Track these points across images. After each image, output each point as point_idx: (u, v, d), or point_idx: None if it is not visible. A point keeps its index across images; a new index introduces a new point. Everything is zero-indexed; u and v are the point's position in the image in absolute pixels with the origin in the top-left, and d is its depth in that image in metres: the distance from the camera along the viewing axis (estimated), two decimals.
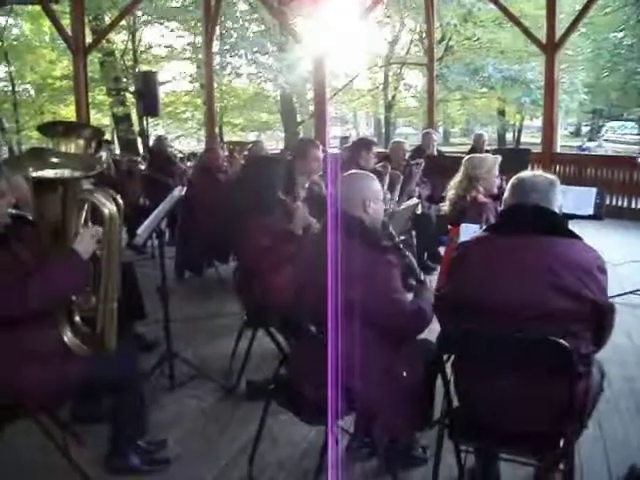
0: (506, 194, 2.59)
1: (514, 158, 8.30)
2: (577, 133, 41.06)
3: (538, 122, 34.53)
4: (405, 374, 2.64)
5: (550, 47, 10.46)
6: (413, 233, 6.18)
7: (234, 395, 3.87)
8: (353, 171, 3.11)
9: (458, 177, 4.35)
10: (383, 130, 27.91)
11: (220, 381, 4.01)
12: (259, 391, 3.59)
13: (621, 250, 6.92)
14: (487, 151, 8.67)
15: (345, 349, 2.46)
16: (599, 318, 2.38)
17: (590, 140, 34.81)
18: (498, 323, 2.35)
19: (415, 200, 5.07)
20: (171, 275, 6.15)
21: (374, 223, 2.82)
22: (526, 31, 10.95)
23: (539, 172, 2.64)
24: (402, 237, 5.48)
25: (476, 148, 8.87)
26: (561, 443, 2.40)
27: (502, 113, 26.78)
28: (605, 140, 34.76)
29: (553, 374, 2.29)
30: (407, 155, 7.14)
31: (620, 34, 26.12)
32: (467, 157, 4.38)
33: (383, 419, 2.63)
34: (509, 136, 30.07)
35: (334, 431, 2.77)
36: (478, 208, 4.04)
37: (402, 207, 4.76)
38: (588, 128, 40.36)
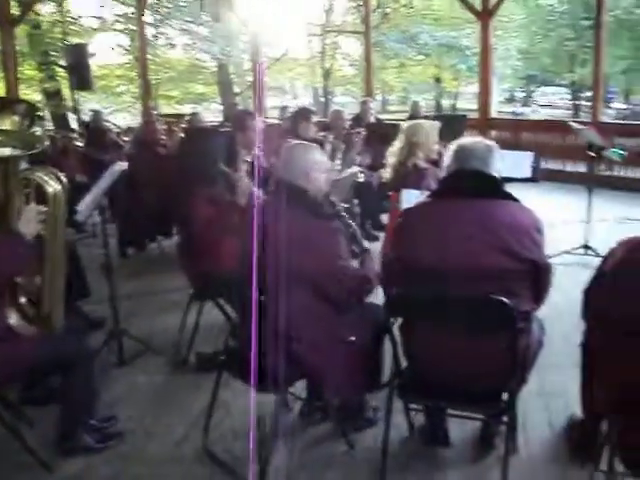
0: (447, 160, 2.65)
1: (451, 124, 8.36)
2: (512, 99, 41.76)
3: (474, 88, 35.01)
4: (353, 338, 2.69)
5: (484, 14, 10.59)
6: (355, 202, 6.23)
7: (184, 369, 3.87)
8: (295, 142, 3.12)
9: (398, 144, 4.39)
10: (322, 99, 27.81)
11: (170, 355, 4.00)
12: (209, 363, 3.60)
13: (557, 211, 7.14)
14: (426, 117, 8.79)
15: (291, 316, 2.50)
16: (538, 277, 2.47)
17: (524, 105, 35.48)
18: (443, 285, 2.42)
19: (356, 168, 5.10)
20: (114, 252, 6.07)
21: (317, 193, 2.85)
22: None
23: (478, 138, 2.71)
24: (345, 205, 5.55)
25: (413, 115, 8.94)
26: (504, 397, 2.52)
27: (438, 80, 27.02)
28: (539, 105, 35.46)
29: (496, 332, 2.38)
30: (347, 124, 7.16)
31: (552, 1, 26.56)
32: (406, 124, 4.42)
33: (333, 383, 2.69)
34: (446, 103, 30.38)
35: (285, 397, 2.83)
36: (419, 174, 4.10)
37: (343, 176, 4.79)
38: (523, 94, 41.10)
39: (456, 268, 2.38)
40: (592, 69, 10.08)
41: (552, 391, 3.34)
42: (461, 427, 2.99)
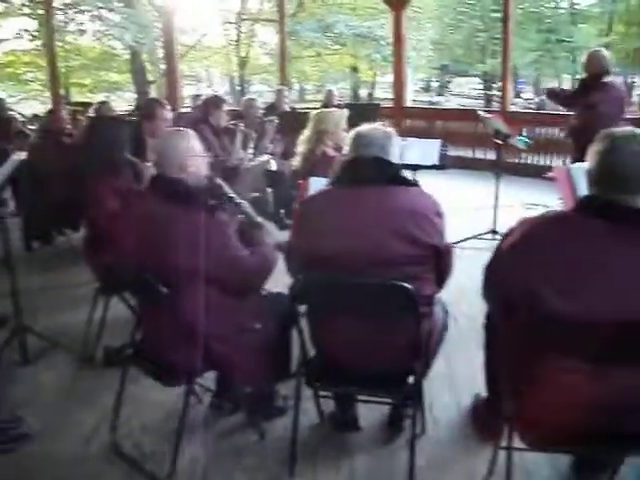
0: (347, 148, 2.67)
1: (364, 113, 8.46)
2: (427, 88, 42.62)
3: (390, 78, 35.57)
4: (259, 326, 2.68)
5: (397, 4, 10.72)
6: (269, 190, 6.21)
7: (92, 365, 3.76)
8: (168, 130, 3.03)
9: (307, 132, 4.39)
10: (238, 88, 27.58)
11: (76, 351, 3.88)
12: (117, 357, 3.51)
13: (467, 197, 7.33)
14: (339, 106, 8.84)
15: (194, 308, 2.46)
16: (439, 260, 2.53)
17: (439, 95, 36.31)
18: (345, 272, 2.43)
19: (267, 157, 5.07)
20: (18, 246, 5.84)
21: (197, 182, 2.73)
22: None
23: (377, 125, 2.73)
24: (256, 194, 5.53)
25: (327, 104, 8.97)
26: (411, 381, 2.57)
27: (355, 69, 27.26)
28: (453, 95, 36.35)
29: (400, 317, 2.42)
30: (260, 112, 7.12)
31: None
32: (315, 112, 4.43)
33: (241, 373, 2.68)
34: (364, 92, 30.69)
35: (193, 390, 2.79)
36: (327, 162, 4.11)
37: (252, 164, 4.75)
38: (437, 84, 41.97)
39: (356, 256, 2.40)
40: (501, 60, 10.36)
41: (458, 372, 3.43)
42: (371, 412, 3.03)
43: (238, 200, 2.97)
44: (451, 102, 29.05)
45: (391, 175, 2.53)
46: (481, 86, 32.91)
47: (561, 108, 6.83)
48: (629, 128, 2.03)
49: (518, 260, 2.06)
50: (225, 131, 5.85)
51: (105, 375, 3.57)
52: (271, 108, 7.88)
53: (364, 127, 2.69)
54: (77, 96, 21.81)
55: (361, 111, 8.65)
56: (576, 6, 31.51)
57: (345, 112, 4.41)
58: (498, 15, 26.44)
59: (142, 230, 2.64)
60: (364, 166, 2.54)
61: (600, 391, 1.93)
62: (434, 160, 4.90)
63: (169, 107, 4.62)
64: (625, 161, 1.93)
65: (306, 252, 2.54)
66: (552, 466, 2.63)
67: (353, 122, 8.41)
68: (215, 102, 6.01)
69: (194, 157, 2.73)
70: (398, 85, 11.08)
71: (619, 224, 1.89)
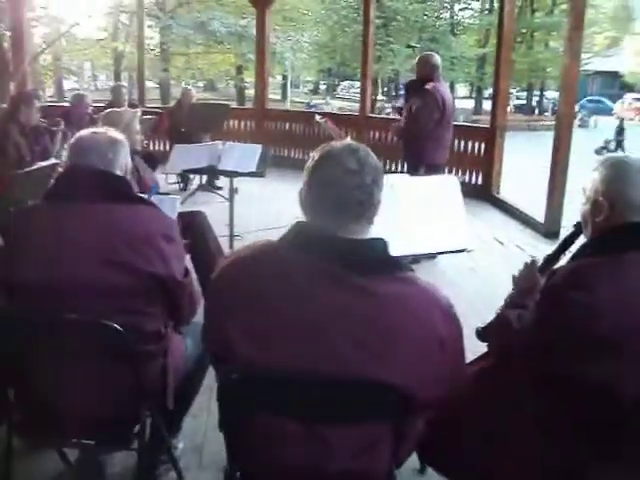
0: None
1: (212, 113, 8.14)
2: (315, 91, 42.92)
3: (279, 78, 35.48)
4: None
5: (261, 2, 10.40)
6: None
7: None
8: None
9: None
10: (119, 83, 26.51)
11: None
12: None
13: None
14: (195, 105, 8.44)
15: None
16: (168, 292, 2.17)
17: (330, 98, 36.66)
18: (55, 305, 2.01)
19: (53, 160, 4.56)
20: None
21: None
22: None
23: (103, 129, 2.34)
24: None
25: (181, 103, 8.57)
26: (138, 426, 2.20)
27: (240, 69, 26.82)
28: (339, 98, 36.70)
29: (113, 357, 2.04)
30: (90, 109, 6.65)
31: None
32: (104, 113, 3.98)
33: None
34: (250, 92, 30.29)
35: None
36: None
37: (34, 167, 4.22)
38: (324, 86, 42.30)
39: (59, 286, 1.99)
40: (360, 65, 10.22)
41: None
42: (122, 454, 2.64)
43: None
44: (330, 105, 29.27)
45: (110, 190, 2.14)
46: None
47: None
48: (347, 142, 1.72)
49: (211, 303, 1.73)
50: (34, 130, 5.30)
51: None
52: (110, 106, 7.35)
53: (86, 131, 2.29)
54: None
55: (211, 111, 8.31)
56: (456, 17, 32.63)
57: (138, 112, 3.97)
58: (379, 21, 26.95)
59: None
60: (79, 178, 2.14)
61: (312, 454, 1.63)
62: (251, 167, 4.56)
63: None
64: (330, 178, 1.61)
65: (7, 282, 2.11)
66: None
67: (204, 124, 8.04)
68: (26, 99, 5.43)
69: None
70: (260, 86, 10.72)
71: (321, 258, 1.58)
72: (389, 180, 2.83)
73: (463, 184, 7.28)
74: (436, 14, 32.49)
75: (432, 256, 4.82)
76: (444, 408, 1.71)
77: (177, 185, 8.29)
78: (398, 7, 28.01)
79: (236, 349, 1.59)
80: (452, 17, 33.24)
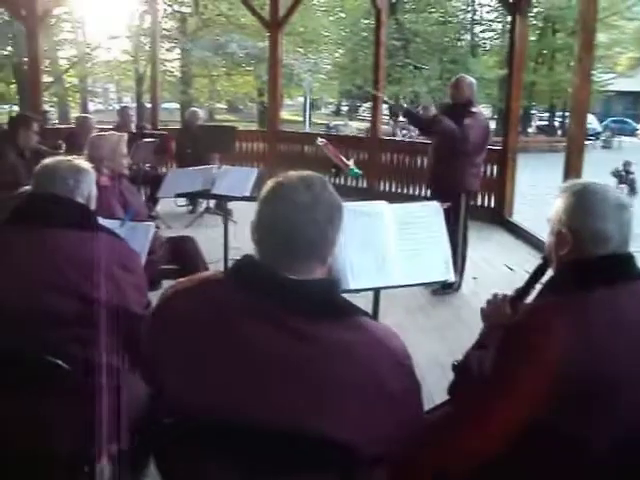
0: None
1: (220, 136, 8.10)
2: (337, 112, 43.04)
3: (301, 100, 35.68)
4: None
5: (274, 24, 10.39)
6: None
7: None
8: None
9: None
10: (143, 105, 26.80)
11: None
12: None
13: None
14: (201, 127, 8.41)
15: None
16: (125, 323, 2.07)
17: (351, 119, 36.74)
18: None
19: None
20: None
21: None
22: (249, 7, 10.85)
23: (69, 158, 2.35)
24: None
25: (188, 125, 8.57)
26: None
27: (261, 92, 26.97)
28: (360, 119, 36.76)
29: (50, 394, 1.95)
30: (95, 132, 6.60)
31: (367, 21, 27.53)
32: (90, 137, 3.94)
33: None
34: None
35: None
36: (100, 192, 3.63)
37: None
38: (347, 108, 42.43)
39: (14, 311, 1.95)
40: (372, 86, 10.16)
41: None
42: None
43: None
44: (349, 127, 29.32)
45: (64, 216, 2.11)
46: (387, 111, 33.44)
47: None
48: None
49: (146, 338, 1.62)
50: (35, 153, 5.28)
51: None
52: (117, 129, 7.36)
53: (51, 159, 2.29)
54: None
55: (217, 134, 8.28)
56: (476, 38, 32.59)
57: (124, 136, 3.92)
58: (399, 43, 27.01)
59: None
60: (37, 204, 2.16)
61: None
62: (246, 191, 4.47)
63: None
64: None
65: None
66: None
67: (209, 145, 7.99)
68: (24, 121, 5.43)
69: None
70: (273, 108, 10.69)
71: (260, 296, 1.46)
72: (373, 208, 2.74)
73: (476, 208, 7.23)
74: (457, 35, 32.49)
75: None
76: (407, 459, 1.57)
77: (185, 207, 8.24)
78: (418, 29, 28.06)
79: (168, 391, 1.49)
80: (472, 38, 33.24)
